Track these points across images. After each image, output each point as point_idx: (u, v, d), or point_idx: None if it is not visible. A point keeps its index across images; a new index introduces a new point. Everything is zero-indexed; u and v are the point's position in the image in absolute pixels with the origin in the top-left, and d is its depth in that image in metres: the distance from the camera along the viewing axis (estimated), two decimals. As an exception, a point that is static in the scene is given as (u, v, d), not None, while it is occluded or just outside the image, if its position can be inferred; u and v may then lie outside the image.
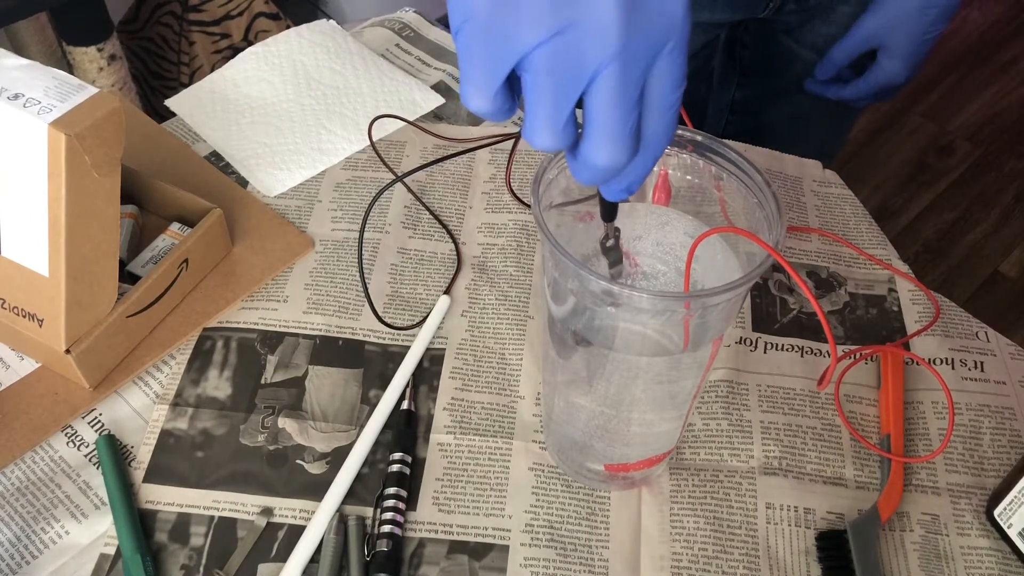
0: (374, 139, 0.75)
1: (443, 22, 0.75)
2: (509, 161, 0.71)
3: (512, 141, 0.74)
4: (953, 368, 0.62)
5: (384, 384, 0.59)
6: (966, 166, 1.93)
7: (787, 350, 0.63)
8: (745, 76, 0.96)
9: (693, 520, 0.54)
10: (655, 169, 0.47)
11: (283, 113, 0.78)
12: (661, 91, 0.33)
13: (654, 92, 0.33)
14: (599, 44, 0.30)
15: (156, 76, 1.64)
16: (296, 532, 0.53)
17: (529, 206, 0.70)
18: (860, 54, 0.80)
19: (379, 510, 0.53)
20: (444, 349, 0.62)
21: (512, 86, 0.33)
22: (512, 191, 0.71)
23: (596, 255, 0.44)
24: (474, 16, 0.31)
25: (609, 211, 0.41)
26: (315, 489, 0.55)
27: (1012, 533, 0.52)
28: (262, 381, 0.60)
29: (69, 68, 1.38)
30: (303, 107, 0.78)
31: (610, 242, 0.43)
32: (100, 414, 0.58)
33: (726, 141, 0.45)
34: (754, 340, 0.63)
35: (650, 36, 0.31)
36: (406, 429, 0.57)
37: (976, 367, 0.62)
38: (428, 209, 0.71)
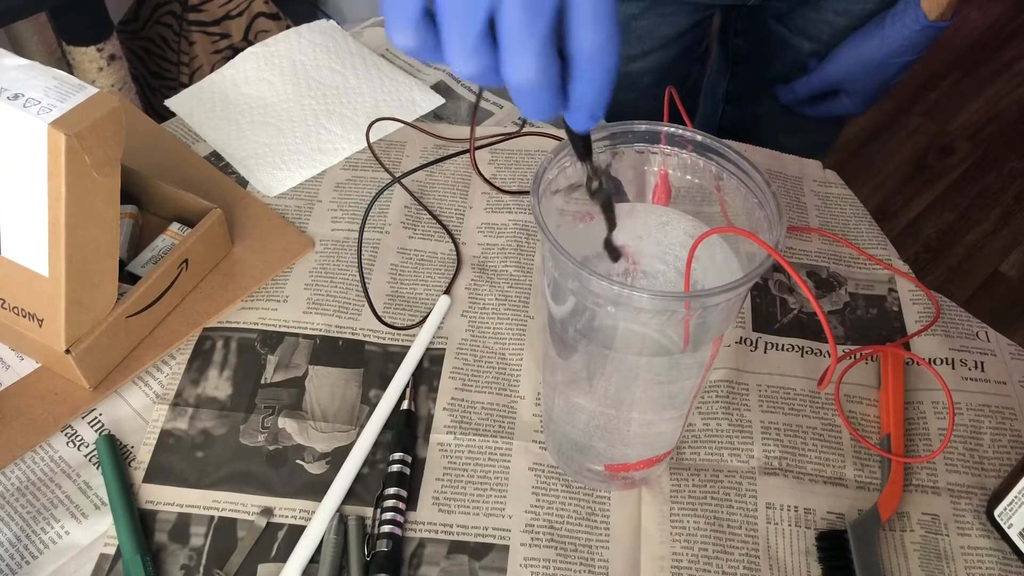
0: (374, 138, 0.75)
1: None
2: (471, 131, 0.68)
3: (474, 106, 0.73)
4: (953, 368, 0.62)
5: (384, 384, 0.59)
6: (966, 166, 1.93)
7: (787, 350, 0.63)
8: (739, 65, 0.96)
9: (693, 520, 0.54)
10: (655, 169, 0.47)
11: (283, 113, 0.78)
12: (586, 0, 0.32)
13: (579, 1, 0.32)
14: None
15: (156, 76, 1.64)
16: (296, 532, 0.53)
17: (497, 187, 0.70)
18: (826, 91, 0.85)
19: (379, 510, 0.53)
20: (444, 349, 0.62)
21: (433, 20, 0.33)
22: (477, 170, 0.69)
23: (596, 255, 0.44)
24: None
25: (579, 146, 0.39)
26: (315, 489, 0.55)
27: (1012, 533, 0.52)
28: (262, 381, 0.60)
29: (69, 68, 1.38)
30: (303, 107, 0.78)
31: (594, 185, 0.40)
32: (100, 414, 0.58)
33: (726, 141, 0.45)
34: (754, 340, 0.63)
35: None
36: (406, 429, 0.57)
37: (976, 367, 0.62)
38: (427, 210, 0.71)
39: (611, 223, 0.42)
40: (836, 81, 0.83)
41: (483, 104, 0.81)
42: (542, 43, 0.32)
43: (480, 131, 0.77)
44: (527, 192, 0.72)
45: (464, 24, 0.32)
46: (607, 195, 0.41)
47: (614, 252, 0.43)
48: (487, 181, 0.70)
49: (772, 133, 0.95)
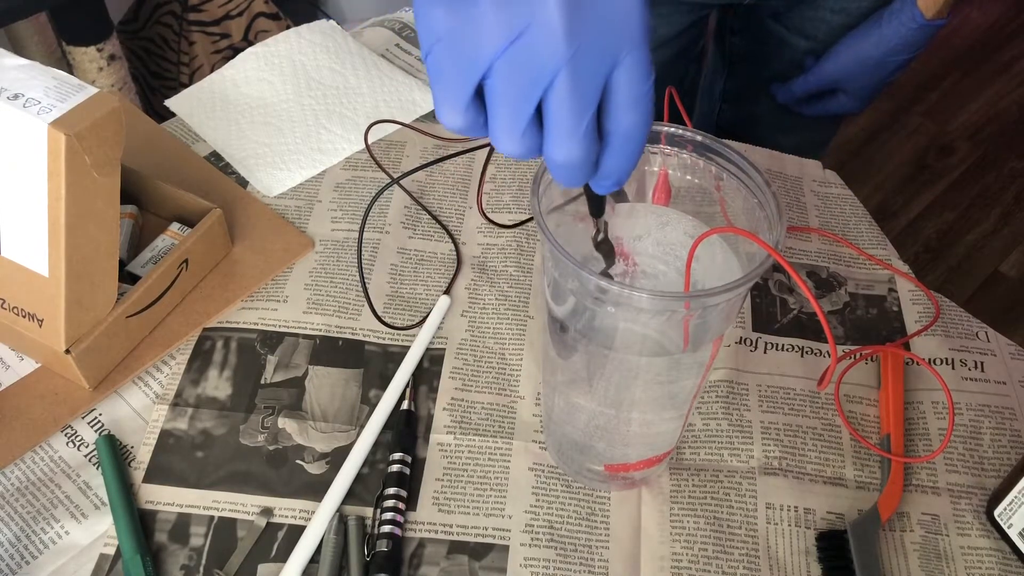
0: (374, 138, 0.75)
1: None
2: (480, 181, 0.69)
3: (486, 153, 0.73)
4: (953, 368, 0.62)
5: (384, 384, 0.59)
6: (966, 166, 1.93)
7: (787, 350, 0.63)
8: (736, 64, 0.96)
9: (693, 520, 0.54)
10: (655, 169, 0.47)
11: (283, 113, 0.78)
12: (628, 85, 0.34)
13: (620, 86, 0.34)
14: (549, 48, 0.32)
15: (156, 76, 1.64)
16: (296, 532, 0.53)
17: (502, 226, 0.70)
18: (824, 90, 0.85)
19: (379, 510, 0.53)
20: (444, 349, 0.62)
21: (482, 101, 0.35)
22: (483, 212, 0.70)
23: (596, 255, 0.44)
24: (441, 37, 0.33)
25: (596, 206, 0.42)
26: (315, 489, 0.55)
27: (1012, 533, 0.52)
28: (262, 381, 0.60)
29: (69, 68, 1.38)
30: (303, 107, 0.78)
31: (600, 236, 0.43)
32: (100, 414, 0.58)
33: (726, 141, 0.45)
34: (754, 340, 0.63)
35: (602, 34, 0.33)
36: (406, 429, 0.57)
37: (976, 367, 0.62)
38: (427, 210, 0.71)
39: (609, 263, 0.45)
40: (833, 80, 0.83)
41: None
42: (588, 128, 0.34)
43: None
44: (529, 220, 0.72)
45: (515, 111, 0.34)
46: (610, 247, 0.44)
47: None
48: (489, 220, 0.70)
49: (770, 132, 0.95)
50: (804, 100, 0.88)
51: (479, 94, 0.34)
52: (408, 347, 0.62)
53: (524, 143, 0.35)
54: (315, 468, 0.56)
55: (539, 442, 0.58)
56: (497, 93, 0.34)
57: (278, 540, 0.53)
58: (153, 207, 0.68)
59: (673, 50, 0.89)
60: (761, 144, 0.77)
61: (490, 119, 0.35)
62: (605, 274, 0.44)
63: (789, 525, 0.54)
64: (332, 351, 0.62)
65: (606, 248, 0.44)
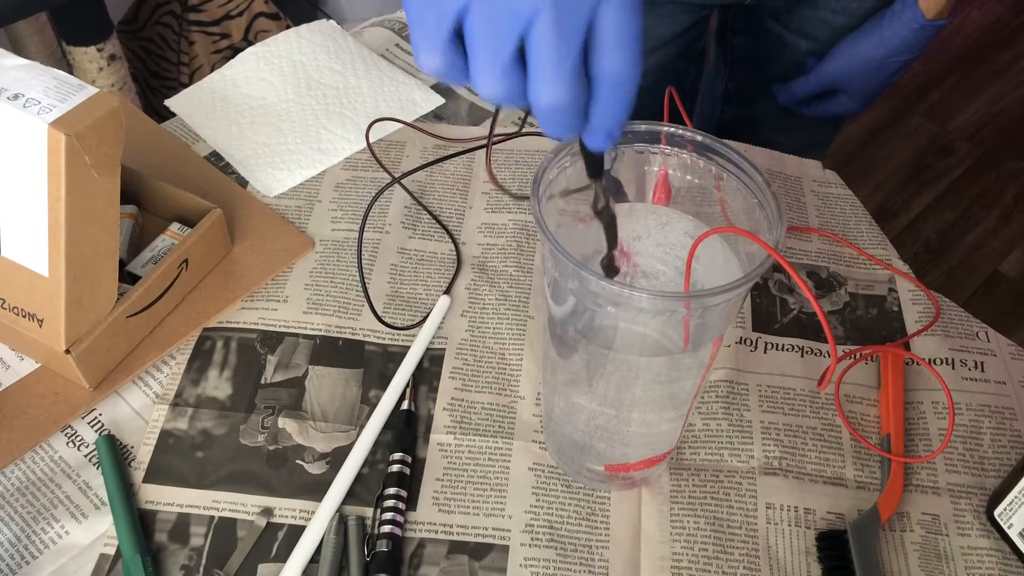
0: (374, 138, 0.75)
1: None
2: (488, 147, 0.69)
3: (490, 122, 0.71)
4: (953, 368, 0.62)
5: (384, 384, 0.59)
6: (966, 166, 1.93)
7: (787, 350, 0.63)
8: (737, 65, 0.96)
9: (693, 520, 0.54)
10: (655, 169, 0.47)
11: (283, 113, 0.78)
12: (614, 24, 0.33)
13: (606, 25, 0.33)
14: None
15: (156, 76, 1.64)
16: (296, 532, 0.53)
17: (514, 195, 0.70)
18: (824, 91, 0.84)
19: (379, 510, 0.53)
20: (444, 349, 0.62)
21: (461, 43, 0.34)
22: (491, 174, 0.69)
23: (596, 255, 0.44)
24: None
25: (592, 165, 0.40)
26: (315, 489, 0.55)
27: (1012, 533, 0.52)
28: (262, 381, 0.60)
29: (69, 68, 1.38)
30: (303, 107, 0.78)
31: (600, 204, 0.41)
32: (100, 414, 0.58)
33: (726, 141, 0.45)
34: (754, 340, 0.63)
35: None
36: (406, 429, 0.57)
37: (976, 367, 0.62)
38: (427, 210, 0.71)
39: (612, 242, 0.42)
40: (834, 81, 0.83)
41: (483, 104, 0.81)
42: (572, 68, 0.33)
43: (480, 131, 0.77)
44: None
45: (495, 48, 0.33)
46: (611, 215, 0.41)
47: (612, 270, 0.43)
48: (501, 187, 0.69)
49: (771, 132, 0.95)
50: (805, 101, 0.87)
51: (460, 37, 0.34)
52: (408, 347, 0.62)
53: (506, 83, 0.33)
54: (315, 468, 0.56)
55: (539, 442, 0.58)
56: (476, 31, 0.33)
57: (278, 540, 0.53)
58: (153, 207, 0.68)
59: (674, 50, 0.89)
60: (763, 145, 0.77)
61: (470, 59, 0.34)
62: (609, 264, 0.43)
63: (789, 525, 0.54)
64: (332, 351, 0.62)
65: (607, 218, 0.41)
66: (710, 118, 1.02)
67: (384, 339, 0.63)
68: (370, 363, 0.61)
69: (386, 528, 0.52)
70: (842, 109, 0.85)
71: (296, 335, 0.63)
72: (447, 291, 0.65)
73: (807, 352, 0.63)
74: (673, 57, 0.90)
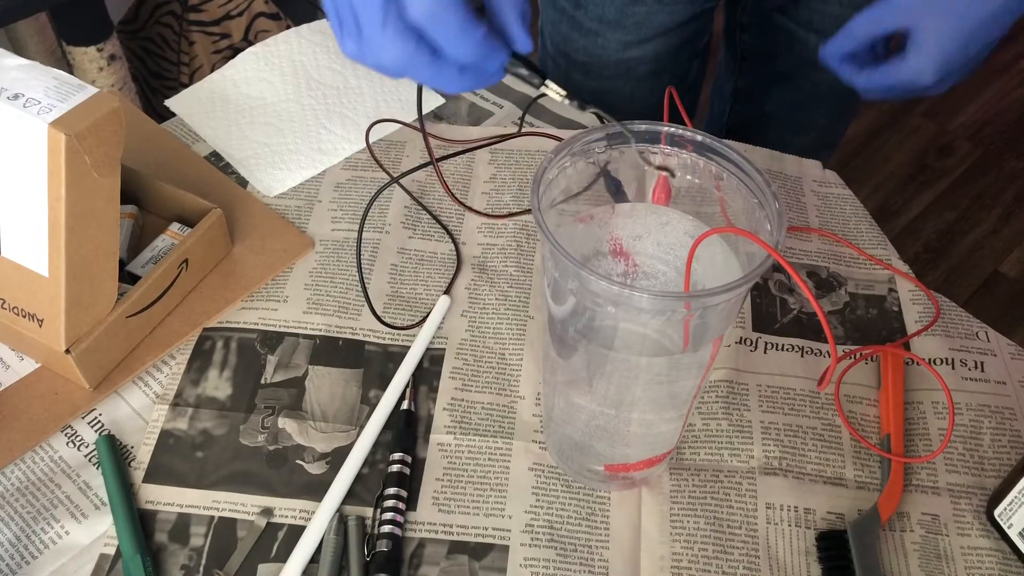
0: (374, 138, 0.75)
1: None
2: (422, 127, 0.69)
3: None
4: (953, 368, 0.62)
5: (384, 384, 0.59)
6: (966, 166, 1.93)
7: (787, 350, 0.63)
8: (746, 62, 0.95)
9: (693, 520, 0.54)
10: (655, 170, 0.47)
11: (283, 113, 0.78)
12: None
13: None
14: None
15: (156, 76, 1.64)
16: (296, 532, 0.53)
17: (472, 209, 0.70)
18: (886, 34, 0.61)
19: (379, 510, 0.53)
20: (444, 349, 0.62)
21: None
22: (445, 186, 0.69)
23: (596, 255, 0.44)
24: None
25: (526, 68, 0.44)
26: (315, 489, 0.55)
27: (1012, 533, 0.52)
28: (262, 381, 0.60)
29: (69, 68, 1.38)
30: (303, 107, 0.78)
31: (575, 102, 0.45)
32: (100, 414, 0.58)
33: (726, 141, 0.45)
34: (754, 340, 0.63)
35: None
36: (406, 429, 0.57)
37: (976, 367, 0.62)
38: (427, 210, 0.71)
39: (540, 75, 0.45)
40: (903, 13, 0.59)
41: (483, 104, 0.81)
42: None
43: (480, 131, 0.77)
44: (525, 212, 0.72)
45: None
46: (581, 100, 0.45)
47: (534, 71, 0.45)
48: (477, 212, 0.70)
49: (781, 132, 0.94)
50: (857, 62, 0.64)
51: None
52: (408, 347, 0.62)
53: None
54: (315, 468, 0.56)
55: (539, 442, 0.58)
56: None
57: (278, 540, 0.53)
58: (153, 207, 0.68)
59: (675, 41, 0.88)
60: (772, 145, 0.77)
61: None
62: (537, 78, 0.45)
63: (789, 525, 0.54)
64: (332, 351, 0.62)
65: (576, 100, 0.45)
66: (720, 119, 1.02)
67: (384, 339, 0.63)
68: (370, 363, 0.61)
69: (386, 528, 0.52)
70: (908, 72, 0.60)
71: (296, 335, 0.63)
72: (447, 291, 0.65)
73: (807, 352, 0.63)
74: (674, 48, 0.89)
